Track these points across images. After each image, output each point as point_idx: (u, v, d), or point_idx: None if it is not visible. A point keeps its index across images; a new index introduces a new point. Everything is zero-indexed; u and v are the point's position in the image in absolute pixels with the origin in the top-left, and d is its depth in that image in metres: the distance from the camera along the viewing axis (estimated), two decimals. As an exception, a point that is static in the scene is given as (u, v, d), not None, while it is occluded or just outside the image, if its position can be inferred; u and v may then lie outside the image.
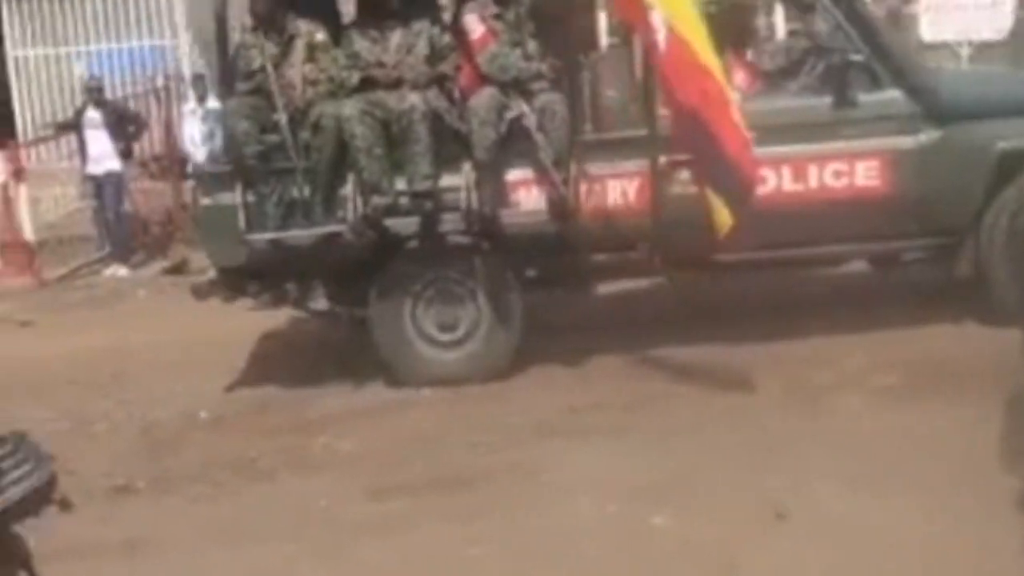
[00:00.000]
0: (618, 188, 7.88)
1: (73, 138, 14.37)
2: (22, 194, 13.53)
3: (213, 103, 14.34)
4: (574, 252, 7.95)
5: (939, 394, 6.72)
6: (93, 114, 13.87)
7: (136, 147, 14.57)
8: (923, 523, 5.30)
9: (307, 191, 7.84)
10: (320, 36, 8.03)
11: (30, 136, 16.19)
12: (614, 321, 8.61)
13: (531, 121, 7.74)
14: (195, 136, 14.45)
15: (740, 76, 7.93)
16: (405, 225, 7.89)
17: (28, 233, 13.47)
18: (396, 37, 8.01)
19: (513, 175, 7.87)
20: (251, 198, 7.88)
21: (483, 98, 7.77)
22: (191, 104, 14.82)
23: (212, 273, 8.27)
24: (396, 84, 7.91)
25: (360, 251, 7.90)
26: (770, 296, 8.63)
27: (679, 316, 8.54)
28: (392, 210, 7.84)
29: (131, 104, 15.08)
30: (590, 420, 7.13)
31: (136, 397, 8.41)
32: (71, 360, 9.52)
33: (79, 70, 16.43)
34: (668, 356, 7.90)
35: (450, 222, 7.88)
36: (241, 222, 7.85)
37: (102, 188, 13.81)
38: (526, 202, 7.87)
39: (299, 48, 7.99)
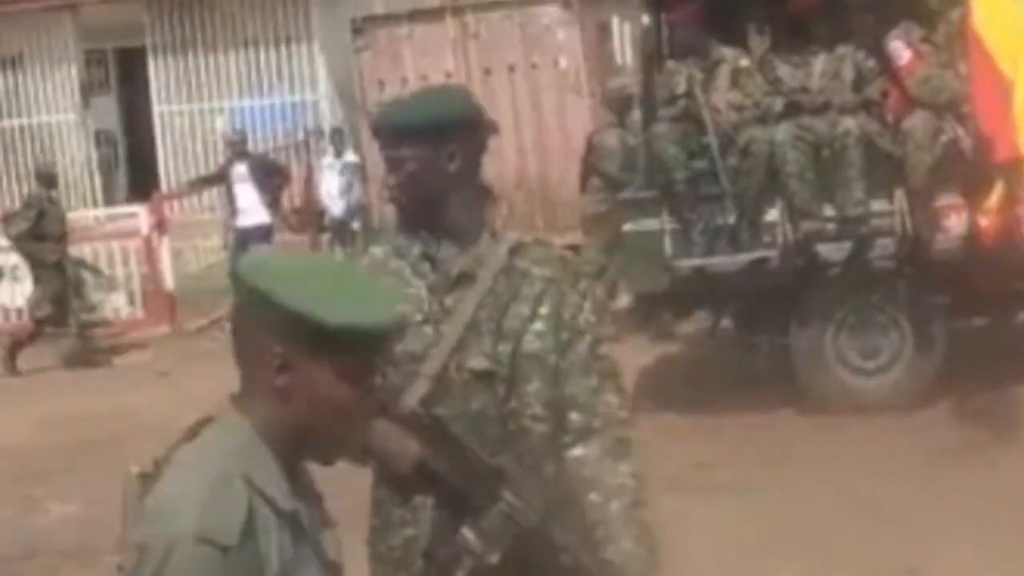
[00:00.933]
0: (1053, 212, 7.74)
1: (215, 191, 14.40)
2: (164, 245, 13.54)
3: (350, 156, 14.38)
4: (1001, 279, 7.81)
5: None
6: (240, 167, 13.62)
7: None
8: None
9: (733, 217, 7.79)
10: (744, 62, 8.00)
11: (173, 189, 16.37)
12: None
13: (967, 144, 7.65)
14: (332, 189, 14.32)
15: None
16: (834, 250, 7.81)
17: (169, 284, 13.36)
18: (820, 63, 7.96)
19: (944, 199, 7.77)
20: (675, 224, 7.85)
21: (917, 121, 7.70)
22: (329, 158, 14.75)
23: (626, 300, 8.21)
24: (821, 109, 7.86)
25: (784, 277, 7.82)
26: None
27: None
28: (821, 235, 7.78)
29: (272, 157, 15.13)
30: (718, 476, 7.02)
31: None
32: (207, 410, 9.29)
33: (220, 125, 16.59)
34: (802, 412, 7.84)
35: (880, 247, 7.79)
36: (667, 248, 7.80)
37: (248, 240, 13.61)
38: (957, 227, 7.76)
39: (724, 74, 7.97)
